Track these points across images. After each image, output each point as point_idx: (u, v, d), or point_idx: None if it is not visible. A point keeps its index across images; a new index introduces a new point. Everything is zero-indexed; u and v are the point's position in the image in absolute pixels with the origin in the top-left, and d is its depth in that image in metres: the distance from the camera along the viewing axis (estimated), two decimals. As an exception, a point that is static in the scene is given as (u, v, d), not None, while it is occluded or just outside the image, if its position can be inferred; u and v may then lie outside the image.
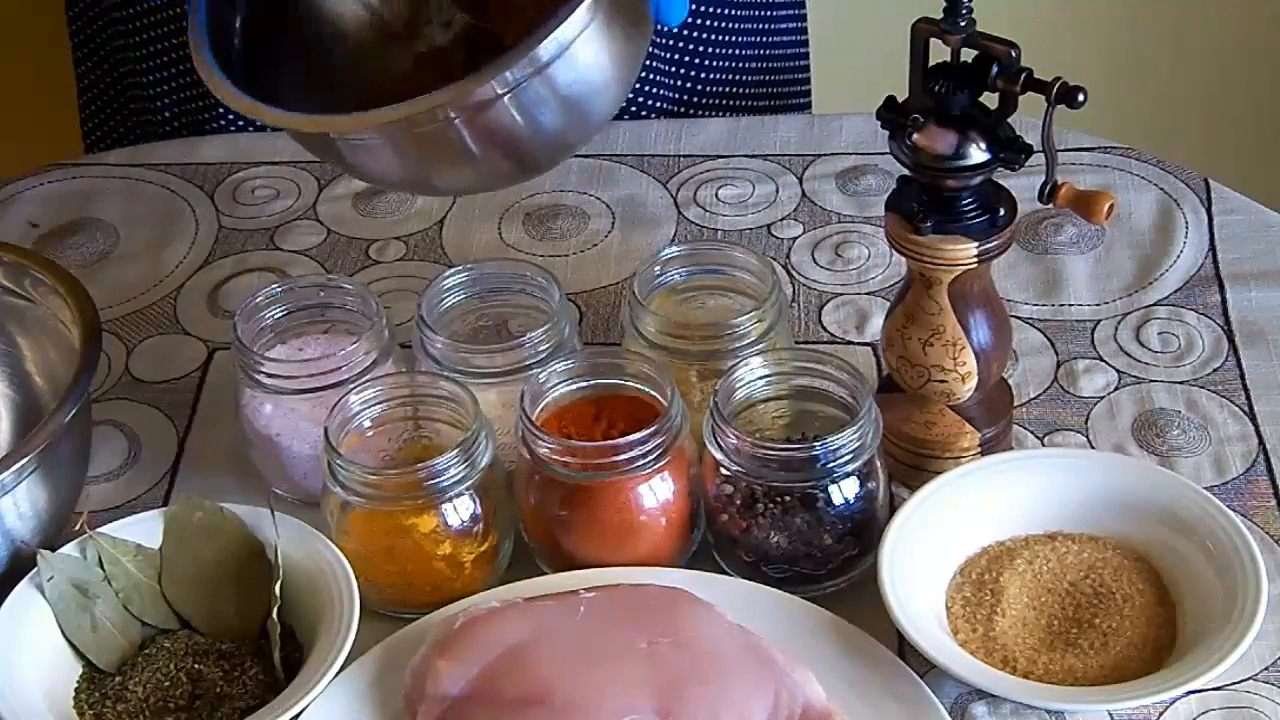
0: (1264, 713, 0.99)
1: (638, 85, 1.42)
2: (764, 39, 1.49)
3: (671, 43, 1.43)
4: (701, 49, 1.45)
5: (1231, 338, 1.21)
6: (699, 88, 1.45)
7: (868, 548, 1.05)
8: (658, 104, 1.45)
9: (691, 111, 1.46)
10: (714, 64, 1.46)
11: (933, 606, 1.03)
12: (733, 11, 1.45)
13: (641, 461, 1.03)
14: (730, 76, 1.47)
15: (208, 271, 1.32)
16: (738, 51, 1.46)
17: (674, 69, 1.44)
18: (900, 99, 1.03)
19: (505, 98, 0.98)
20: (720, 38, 1.45)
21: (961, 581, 1.05)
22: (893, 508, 1.06)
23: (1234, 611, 0.99)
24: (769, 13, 1.49)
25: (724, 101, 1.47)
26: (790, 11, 1.52)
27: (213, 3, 1.06)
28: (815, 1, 1.56)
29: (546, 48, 0.97)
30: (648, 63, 1.42)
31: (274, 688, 1.01)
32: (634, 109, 1.44)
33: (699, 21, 1.43)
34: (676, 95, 1.45)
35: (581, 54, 0.99)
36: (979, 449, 1.10)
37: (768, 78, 1.51)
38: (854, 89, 1.54)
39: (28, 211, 1.37)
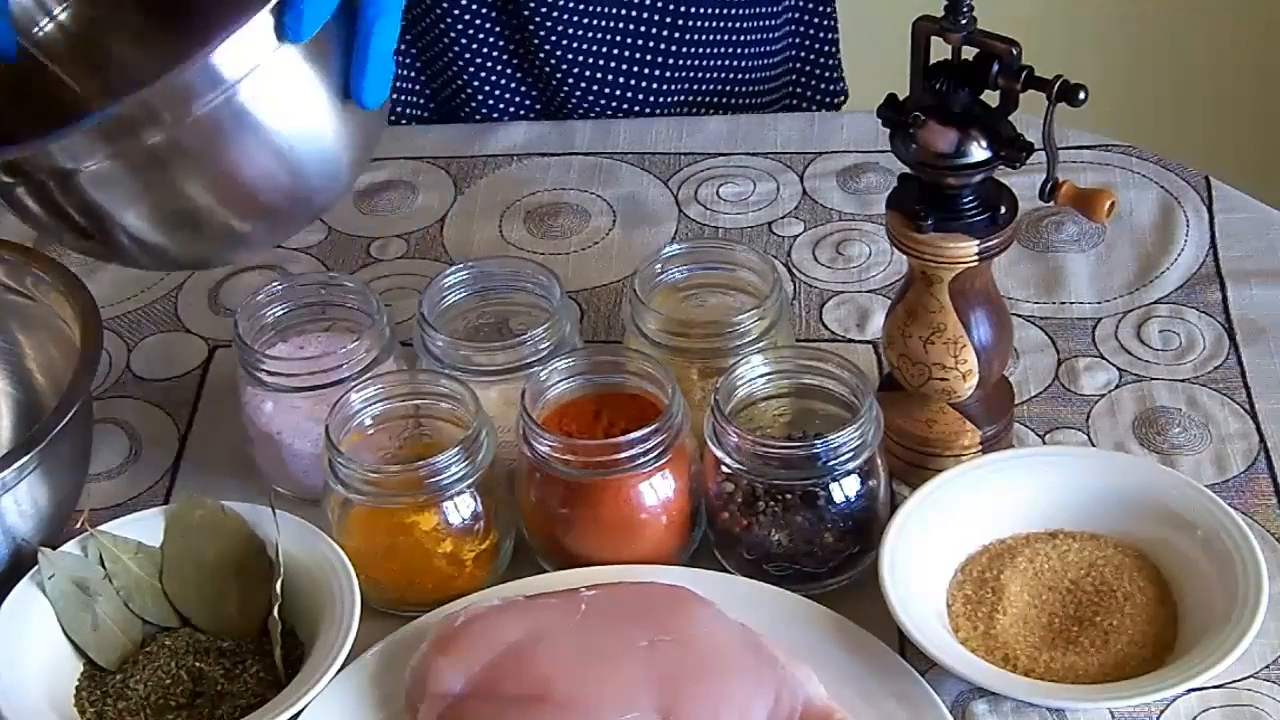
0: (1265, 710, 0.99)
1: (639, 84, 1.42)
2: (772, 40, 1.48)
3: (678, 49, 1.43)
4: (703, 50, 1.44)
5: (1232, 335, 1.21)
6: (700, 88, 1.45)
7: (869, 546, 1.05)
8: (660, 106, 1.44)
9: (698, 111, 1.45)
10: (716, 64, 1.45)
11: (934, 604, 1.03)
12: (734, 11, 1.44)
13: (642, 459, 1.03)
14: (732, 75, 1.46)
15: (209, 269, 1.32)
16: (737, 50, 1.45)
17: (675, 72, 1.44)
18: (901, 97, 1.03)
19: (215, 100, 0.94)
20: (720, 38, 1.44)
21: (962, 579, 1.05)
22: (894, 506, 1.06)
23: (1235, 609, 0.99)
24: (766, 21, 1.47)
25: (728, 101, 1.47)
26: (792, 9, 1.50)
27: None
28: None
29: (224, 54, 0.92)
30: (652, 68, 1.42)
31: (275, 686, 1.01)
32: (636, 108, 1.43)
33: (698, 24, 1.43)
34: (680, 97, 1.45)
35: (279, 80, 0.95)
36: (980, 447, 1.10)
37: (792, 78, 1.50)
38: (852, 87, 1.54)
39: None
